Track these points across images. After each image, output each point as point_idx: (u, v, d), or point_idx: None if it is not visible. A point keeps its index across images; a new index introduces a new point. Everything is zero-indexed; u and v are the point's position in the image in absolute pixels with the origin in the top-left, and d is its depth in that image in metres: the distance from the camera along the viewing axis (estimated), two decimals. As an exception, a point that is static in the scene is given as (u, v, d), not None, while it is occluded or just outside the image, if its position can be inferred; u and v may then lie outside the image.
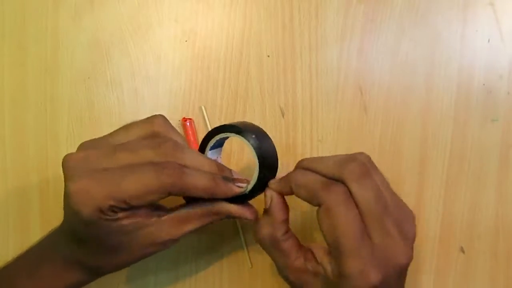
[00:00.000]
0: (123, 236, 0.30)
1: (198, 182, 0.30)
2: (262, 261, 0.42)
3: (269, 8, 0.41)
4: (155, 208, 0.32)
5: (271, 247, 0.33)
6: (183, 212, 0.32)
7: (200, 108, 0.41)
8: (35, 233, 0.42)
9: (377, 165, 0.42)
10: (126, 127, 0.32)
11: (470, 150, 0.42)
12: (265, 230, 0.33)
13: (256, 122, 0.42)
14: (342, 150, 0.42)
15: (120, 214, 0.29)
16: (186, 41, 0.41)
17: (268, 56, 0.42)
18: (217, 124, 0.41)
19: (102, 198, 0.28)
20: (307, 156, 0.42)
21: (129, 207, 0.29)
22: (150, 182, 0.28)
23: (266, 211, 0.34)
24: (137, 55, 0.42)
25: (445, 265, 0.42)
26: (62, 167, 0.29)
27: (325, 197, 0.30)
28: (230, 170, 0.34)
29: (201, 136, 0.41)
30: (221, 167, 0.33)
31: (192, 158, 0.31)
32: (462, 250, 0.42)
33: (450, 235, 0.42)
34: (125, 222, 0.29)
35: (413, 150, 0.42)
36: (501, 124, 0.42)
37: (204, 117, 0.41)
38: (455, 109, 0.42)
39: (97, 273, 0.35)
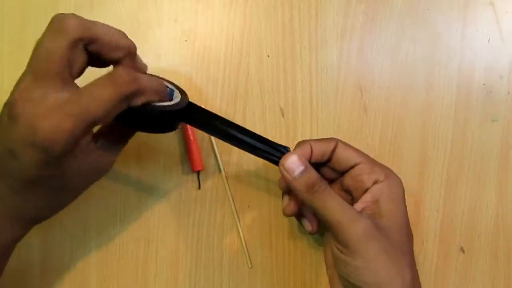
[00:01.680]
0: (76, 169, 0.29)
1: (151, 83, 0.30)
2: (262, 261, 0.42)
3: (269, 8, 0.41)
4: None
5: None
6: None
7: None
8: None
9: (377, 165, 0.42)
10: None
11: (470, 150, 0.42)
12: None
13: (256, 122, 0.42)
14: (342, 150, 0.42)
15: (83, 140, 0.28)
16: (186, 41, 0.41)
17: (268, 56, 0.42)
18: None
19: (72, 128, 0.26)
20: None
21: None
22: (107, 96, 0.27)
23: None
24: (137, 55, 0.42)
25: (445, 265, 0.42)
26: (7, 113, 0.28)
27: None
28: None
29: (201, 135, 0.41)
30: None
31: (106, 32, 0.30)
32: (462, 250, 0.42)
33: (450, 235, 0.42)
34: (82, 150, 0.29)
35: (413, 150, 0.42)
36: (501, 124, 0.42)
37: None
38: (455, 109, 0.42)
39: (35, 222, 0.33)
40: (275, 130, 0.42)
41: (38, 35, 0.42)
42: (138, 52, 0.33)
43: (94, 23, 0.29)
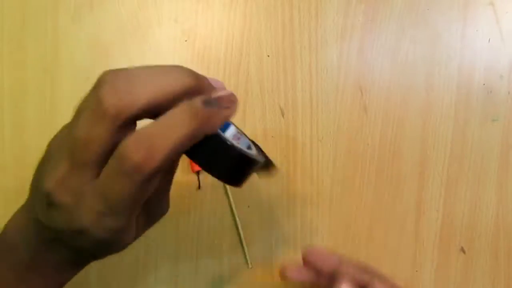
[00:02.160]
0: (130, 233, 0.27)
1: (173, 139, 0.22)
2: (262, 261, 0.42)
3: (269, 8, 0.41)
4: None
5: None
6: None
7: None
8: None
9: (377, 165, 0.42)
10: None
11: (470, 150, 0.42)
12: None
13: (256, 122, 0.42)
14: (342, 150, 0.42)
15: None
16: (186, 41, 0.41)
17: (268, 56, 0.42)
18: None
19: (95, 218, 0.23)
20: (307, 156, 0.42)
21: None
22: (125, 188, 0.23)
23: None
24: (137, 55, 0.42)
25: (445, 265, 0.42)
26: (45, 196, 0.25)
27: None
28: (204, 76, 0.25)
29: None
30: (196, 76, 0.24)
31: (147, 88, 0.23)
32: (462, 250, 0.42)
33: (450, 235, 0.42)
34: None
35: (413, 150, 0.42)
36: (501, 124, 0.42)
37: None
38: (455, 109, 0.42)
39: (91, 259, 0.29)
40: (275, 130, 0.42)
41: (38, 35, 0.42)
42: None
43: (139, 88, 0.22)
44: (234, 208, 0.42)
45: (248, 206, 0.42)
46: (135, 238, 0.29)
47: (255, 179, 0.42)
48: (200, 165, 0.26)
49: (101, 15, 0.41)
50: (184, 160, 0.42)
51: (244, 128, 0.42)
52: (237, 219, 0.42)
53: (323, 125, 0.42)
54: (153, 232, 0.42)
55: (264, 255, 0.42)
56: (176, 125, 0.22)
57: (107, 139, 0.22)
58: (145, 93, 0.22)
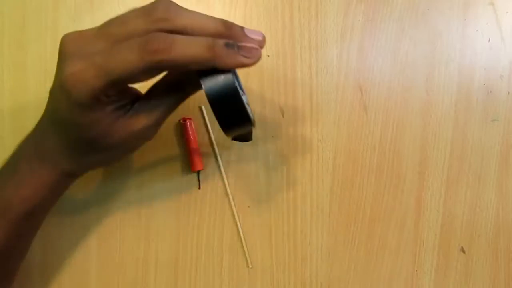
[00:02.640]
0: (106, 126, 0.29)
1: (189, 51, 0.26)
2: (262, 261, 0.42)
3: (269, 8, 0.41)
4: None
5: None
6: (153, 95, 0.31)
7: (200, 108, 0.41)
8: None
9: (377, 165, 0.42)
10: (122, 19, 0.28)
11: (470, 150, 0.42)
12: None
13: (256, 122, 0.42)
14: (342, 150, 0.42)
15: (112, 99, 0.28)
16: (186, 41, 0.41)
17: (268, 56, 0.42)
18: (216, 123, 0.41)
19: (93, 80, 0.26)
20: (307, 156, 0.42)
21: (118, 90, 0.28)
22: (132, 61, 0.26)
23: None
24: (137, 55, 0.42)
25: (445, 265, 0.42)
26: (59, 50, 0.28)
27: None
28: (242, 28, 0.29)
29: (201, 136, 0.41)
30: (229, 26, 0.29)
31: (191, 18, 0.28)
32: (462, 250, 0.42)
33: (450, 235, 0.42)
34: (110, 108, 0.28)
35: (413, 150, 0.42)
36: (501, 124, 0.42)
37: (204, 117, 0.41)
38: (455, 109, 0.42)
39: (72, 174, 0.33)
40: (275, 130, 0.42)
41: (38, 35, 0.42)
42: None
43: (185, 13, 0.28)
44: (234, 208, 0.42)
45: (248, 206, 0.42)
46: (120, 145, 0.31)
47: (255, 179, 0.42)
48: (209, 99, 0.28)
49: (101, 15, 0.41)
50: (184, 161, 0.42)
51: (244, 128, 0.42)
52: (237, 219, 0.42)
53: (323, 125, 0.42)
54: (153, 232, 0.42)
55: (264, 255, 0.42)
56: (196, 45, 0.26)
57: (143, 30, 0.26)
58: (188, 18, 0.27)
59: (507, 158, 0.42)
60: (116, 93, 0.28)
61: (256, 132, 0.42)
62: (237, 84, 0.28)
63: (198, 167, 0.41)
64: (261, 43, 0.29)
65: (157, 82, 0.31)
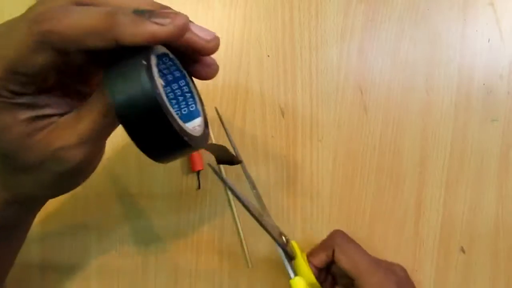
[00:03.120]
0: (19, 137, 0.23)
1: (84, 21, 0.21)
2: (262, 261, 0.42)
3: (269, 8, 0.41)
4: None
5: None
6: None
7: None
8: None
9: (377, 165, 0.42)
10: None
11: (470, 150, 0.42)
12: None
13: (256, 122, 0.42)
14: (342, 150, 0.42)
15: (21, 100, 0.23)
16: (186, 41, 0.41)
17: (268, 56, 0.42)
18: (216, 123, 0.41)
19: None
20: (307, 156, 0.42)
21: (21, 83, 0.23)
22: (22, 35, 0.21)
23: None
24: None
25: (445, 265, 0.42)
26: None
27: (333, 242, 0.37)
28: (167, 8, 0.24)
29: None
30: (157, 5, 0.24)
31: None
32: (462, 250, 0.42)
33: (450, 235, 0.42)
34: (23, 114, 0.23)
35: (413, 150, 0.42)
36: (501, 124, 0.42)
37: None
38: (455, 109, 0.42)
39: (10, 201, 0.27)
40: (275, 130, 0.42)
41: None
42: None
43: None
44: (234, 208, 0.42)
45: (248, 206, 0.42)
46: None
47: (254, 179, 0.42)
48: (115, 111, 0.20)
49: (101, 15, 0.41)
50: (184, 161, 0.42)
51: (244, 128, 0.42)
52: (237, 219, 0.42)
53: (323, 125, 0.42)
54: (153, 232, 0.42)
55: (264, 255, 0.42)
56: (94, 13, 0.21)
57: (49, 62, 0.22)
58: None
59: (507, 158, 0.42)
60: (20, 87, 0.23)
61: (256, 132, 0.42)
62: (160, 90, 0.20)
63: (198, 167, 0.41)
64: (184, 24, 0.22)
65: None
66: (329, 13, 0.41)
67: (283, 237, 0.37)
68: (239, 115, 0.42)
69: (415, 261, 0.42)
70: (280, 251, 0.36)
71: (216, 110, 0.40)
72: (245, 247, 0.42)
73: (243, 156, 0.42)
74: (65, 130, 0.23)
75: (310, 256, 0.38)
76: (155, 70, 0.20)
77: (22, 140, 0.23)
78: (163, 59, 0.23)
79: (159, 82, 0.20)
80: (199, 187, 0.42)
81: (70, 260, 0.42)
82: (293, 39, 0.41)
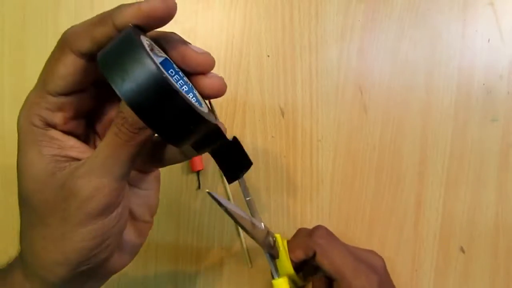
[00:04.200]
0: (39, 174, 0.23)
1: (87, 21, 0.23)
2: (262, 261, 0.42)
3: (269, 8, 0.41)
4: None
5: None
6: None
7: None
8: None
9: (377, 165, 0.42)
10: None
11: (470, 150, 0.42)
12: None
13: (256, 122, 0.42)
14: (342, 150, 0.42)
15: (53, 134, 0.24)
16: (186, 41, 0.41)
17: (268, 56, 0.42)
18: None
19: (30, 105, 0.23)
20: (307, 156, 0.42)
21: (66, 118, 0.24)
22: (52, 55, 0.23)
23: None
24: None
25: (445, 265, 0.42)
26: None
27: (314, 243, 0.37)
28: None
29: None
30: None
31: None
32: (462, 250, 0.42)
33: (450, 235, 0.42)
34: (48, 151, 0.23)
35: (413, 150, 0.42)
36: (501, 124, 0.42)
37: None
38: (455, 109, 0.42)
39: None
40: (275, 130, 0.42)
41: (38, 35, 0.42)
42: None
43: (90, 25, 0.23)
44: (234, 208, 0.42)
45: (248, 206, 0.42)
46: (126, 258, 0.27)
47: (255, 179, 0.42)
48: (128, 104, 0.19)
49: (101, 15, 0.41)
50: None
51: (244, 128, 0.42)
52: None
53: (323, 125, 0.42)
54: (153, 232, 0.42)
55: (264, 255, 0.42)
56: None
57: (71, 65, 0.23)
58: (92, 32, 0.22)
59: (506, 158, 0.42)
60: (51, 113, 0.23)
61: (256, 132, 0.42)
62: (165, 73, 0.20)
63: (198, 167, 0.41)
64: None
65: None
66: (329, 13, 0.41)
67: (270, 238, 0.37)
68: (239, 115, 0.42)
69: (415, 261, 0.42)
70: (267, 256, 0.36)
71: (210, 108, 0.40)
72: (245, 247, 0.42)
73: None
74: (85, 166, 0.23)
75: (289, 251, 0.38)
76: (150, 52, 0.20)
77: (45, 178, 0.23)
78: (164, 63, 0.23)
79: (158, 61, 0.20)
80: (199, 187, 0.42)
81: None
82: (293, 39, 0.41)
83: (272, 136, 0.42)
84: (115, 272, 0.27)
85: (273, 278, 0.36)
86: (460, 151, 0.42)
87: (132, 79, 0.19)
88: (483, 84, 0.42)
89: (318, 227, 0.38)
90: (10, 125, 0.42)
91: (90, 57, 0.23)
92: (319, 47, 0.42)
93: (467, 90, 0.42)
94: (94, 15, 0.28)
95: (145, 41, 0.21)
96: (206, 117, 0.21)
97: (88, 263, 0.24)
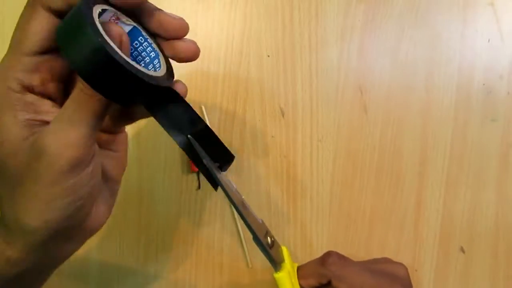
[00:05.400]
0: (14, 139, 0.23)
1: None
2: (262, 261, 0.42)
3: (269, 8, 0.41)
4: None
5: None
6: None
7: (200, 108, 0.41)
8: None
9: (377, 165, 0.42)
10: None
11: (470, 150, 0.42)
12: None
13: (256, 122, 0.42)
14: (342, 150, 0.42)
15: (28, 98, 0.23)
16: (186, 41, 0.41)
17: (268, 56, 0.42)
18: (216, 123, 0.41)
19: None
20: (307, 156, 0.42)
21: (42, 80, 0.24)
22: (23, 14, 0.23)
23: None
24: (137, 55, 0.42)
25: (445, 265, 0.42)
26: None
27: (328, 271, 0.35)
28: None
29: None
30: None
31: None
32: (462, 250, 0.42)
33: (450, 235, 0.42)
34: (22, 115, 0.23)
35: (413, 150, 0.42)
36: (501, 124, 0.42)
37: (204, 117, 0.41)
38: (455, 109, 0.42)
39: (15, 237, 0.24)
40: (275, 130, 0.42)
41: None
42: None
43: None
44: (234, 208, 0.42)
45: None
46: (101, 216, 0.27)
47: (255, 179, 0.42)
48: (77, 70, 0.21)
49: (101, 15, 0.41)
50: (184, 161, 0.42)
51: (244, 128, 0.42)
52: (237, 219, 0.42)
53: (323, 125, 0.42)
54: (153, 232, 0.42)
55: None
56: None
57: (43, 20, 0.23)
58: None
59: (506, 158, 0.42)
60: (28, 75, 0.23)
61: (256, 132, 0.42)
62: (111, 44, 0.21)
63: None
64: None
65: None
66: (329, 13, 0.41)
67: (269, 238, 0.34)
68: (239, 115, 0.42)
69: (415, 261, 0.42)
70: (263, 246, 0.33)
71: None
72: (245, 247, 0.42)
73: (243, 156, 0.42)
74: (53, 123, 0.23)
75: (300, 278, 0.36)
76: (96, 18, 0.22)
77: (19, 142, 0.23)
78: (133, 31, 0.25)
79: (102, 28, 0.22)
80: (199, 187, 0.42)
81: (70, 260, 0.42)
82: (293, 39, 0.41)
83: (272, 136, 0.42)
84: (92, 233, 0.28)
85: (275, 271, 0.34)
86: (460, 151, 0.42)
87: (78, 49, 0.21)
88: (483, 84, 0.42)
89: (329, 254, 0.37)
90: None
91: (61, 15, 0.23)
92: (319, 47, 0.42)
93: (467, 90, 0.42)
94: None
95: (102, 11, 0.23)
96: (148, 79, 0.22)
97: (65, 223, 0.24)
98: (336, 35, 0.42)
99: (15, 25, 0.24)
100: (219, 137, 0.28)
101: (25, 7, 0.24)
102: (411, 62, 0.42)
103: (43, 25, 0.23)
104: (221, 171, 0.28)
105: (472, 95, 0.42)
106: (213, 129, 0.29)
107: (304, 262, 0.37)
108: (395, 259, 0.41)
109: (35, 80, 0.24)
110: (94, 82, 0.21)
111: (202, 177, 0.42)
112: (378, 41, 0.42)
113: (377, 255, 0.41)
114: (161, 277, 0.42)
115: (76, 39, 0.21)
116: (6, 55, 0.24)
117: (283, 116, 0.42)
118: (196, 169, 0.41)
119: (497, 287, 0.42)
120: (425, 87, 0.42)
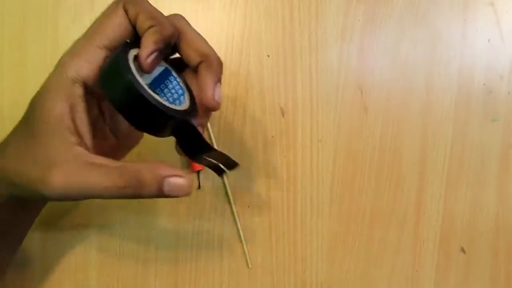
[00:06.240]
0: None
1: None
2: (262, 261, 0.42)
3: (269, 8, 0.41)
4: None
5: None
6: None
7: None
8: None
9: (377, 165, 0.42)
10: None
11: (470, 150, 0.42)
12: None
13: (256, 122, 0.42)
14: (342, 150, 0.42)
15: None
16: (186, 41, 0.41)
17: (268, 56, 0.42)
18: (216, 123, 0.41)
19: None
20: (307, 156, 0.42)
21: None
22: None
23: None
24: (137, 55, 0.42)
25: (445, 265, 0.42)
26: None
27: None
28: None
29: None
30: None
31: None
32: (462, 250, 0.42)
33: (450, 235, 0.42)
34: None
35: (413, 150, 0.42)
36: (501, 124, 0.42)
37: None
38: (455, 109, 0.42)
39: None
40: (275, 130, 0.42)
41: (38, 35, 0.42)
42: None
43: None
44: (234, 208, 0.42)
45: (248, 206, 0.42)
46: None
47: (255, 179, 0.42)
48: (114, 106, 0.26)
49: (101, 15, 0.41)
50: (184, 161, 0.42)
51: (244, 128, 0.42)
52: (237, 219, 0.42)
53: (323, 125, 0.42)
54: (153, 232, 0.42)
55: (264, 255, 0.42)
56: None
57: (122, 16, 0.27)
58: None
59: (507, 158, 0.42)
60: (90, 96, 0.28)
61: (256, 132, 0.42)
62: (140, 81, 0.25)
63: (198, 167, 0.41)
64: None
65: None
66: (329, 13, 0.41)
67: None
68: (239, 115, 0.42)
69: (415, 261, 0.42)
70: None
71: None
72: (245, 247, 0.42)
73: (242, 156, 0.42)
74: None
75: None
76: (131, 61, 0.26)
77: (54, 121, 0.27)
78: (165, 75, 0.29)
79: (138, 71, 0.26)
80: (199, 187, 0.42)
81: (70, 260, 0.42)
82: (293, 39, 0.41)
83: (272, 136, 0.42)
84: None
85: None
86: (460, 151, 0.42)
87: (112, 86, 0.25)
88: (484, 84, 0.42)
89: None
90: (9, 124, 0.42)
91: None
92: (319, 47, 0.42)
93: (467, 90, 0.42)
94: (94, 15, 0.28)
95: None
96: (166, 110, 0.26)
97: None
98: (336, 35, 0.42)
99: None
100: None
101: (110, 5, 0.27)
102: (411, 62, 0.42)
103: (119, 23, 0.27)
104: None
105: (473, 95, 0.42)
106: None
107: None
108: (395, 259, 0.41)
109: (92, 72, 0.26)
110: (126, 112, 0.25)
111: (202, 177, 0.42)
112: (378, 41, 0.42)
113: (377, 255, 0.41)
114: (161, 277, 0.42)
115: (111, 78, 0.26)
116: (77, 41, 0.27)
117: (283, 116, 0.42)
118: (196, 169, 0.41)
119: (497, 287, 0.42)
120: (425, 87, 0.42)
